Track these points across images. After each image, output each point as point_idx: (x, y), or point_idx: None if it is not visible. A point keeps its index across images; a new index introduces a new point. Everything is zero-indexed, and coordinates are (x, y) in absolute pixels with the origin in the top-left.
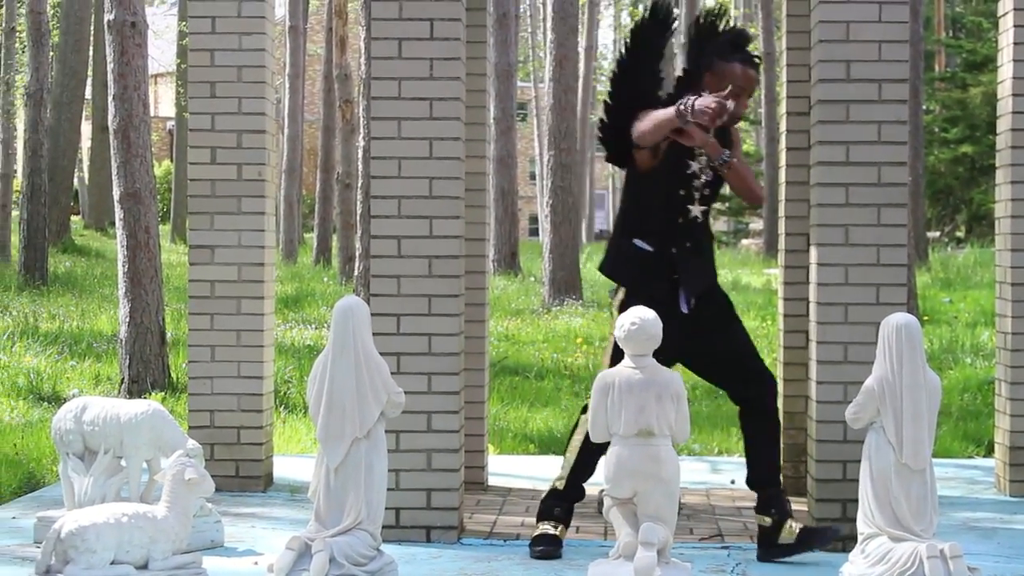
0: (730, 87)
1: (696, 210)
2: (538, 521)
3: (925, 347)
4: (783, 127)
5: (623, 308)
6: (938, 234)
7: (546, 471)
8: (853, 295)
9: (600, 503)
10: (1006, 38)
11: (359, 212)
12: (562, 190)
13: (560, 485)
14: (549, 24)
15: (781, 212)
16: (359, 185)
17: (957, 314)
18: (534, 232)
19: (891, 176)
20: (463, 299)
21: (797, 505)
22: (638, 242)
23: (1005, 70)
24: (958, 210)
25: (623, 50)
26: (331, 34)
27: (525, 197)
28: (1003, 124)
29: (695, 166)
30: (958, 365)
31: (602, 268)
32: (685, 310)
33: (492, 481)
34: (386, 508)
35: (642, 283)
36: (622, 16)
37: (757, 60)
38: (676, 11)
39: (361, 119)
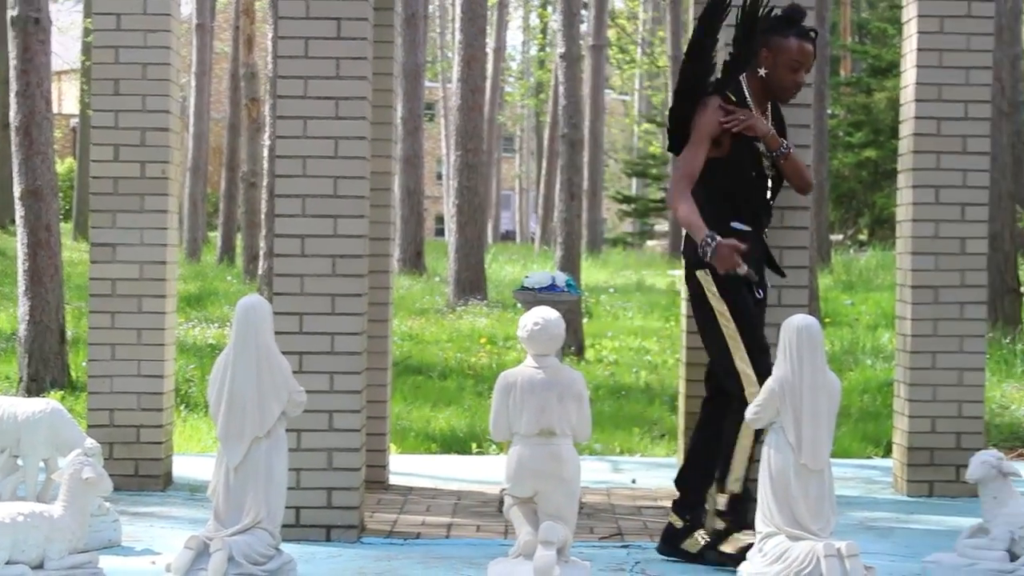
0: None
1: (771, 188)
2: (737, 531)
3: (826, 348)
4: None
5: (724, 296)
6: (841, 237)
7: (448, 470)
8: None
9: (500, 502)
10: (909, 44)
11: (264, 211)
12: (468, 190)
13: (738, 488)
14: (457, 25)
15: None
16: (264, 184)
17: (858, 316)
18: (440, 232)
19: None
20: (366, 298)
21: None
22: (735, 224)
23: (908, 76)
24: (861, 213)
25: (693, 36)
26: (238, 32)
27: (431, 197)
28: (905, 129)
29: (761, 146)
30: (858, 366)
31: (692, 258)
32: (761, 295)
33: (393, 480)
34: (286, 507)
35: (745, 263)
36: (531, 17)
37: (813, 34)
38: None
39: (267, 117)
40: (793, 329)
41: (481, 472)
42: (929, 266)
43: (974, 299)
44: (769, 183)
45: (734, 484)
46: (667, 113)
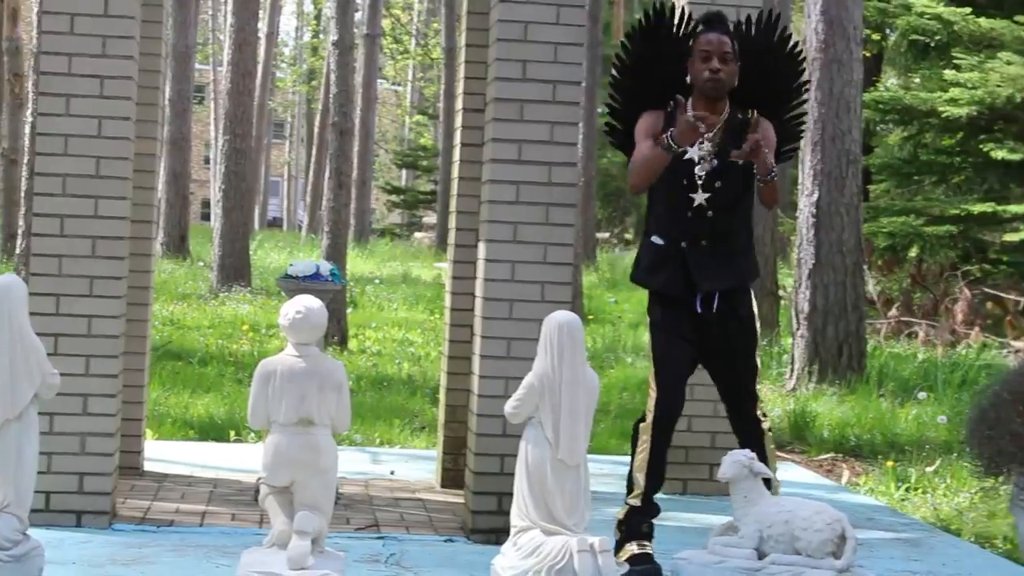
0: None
1: (700, 198)
2: (626, 542)
3: (587, 345)
4: (458, 123)
5: (651, 314)
6: (607, 235)
7: (205, 458)
8: (519, 292)
9: (257, 491)
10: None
11: (24, 189)
12: (235, 175)
13: (637, 502)
14: (230, 7)
15: (452, 207)
16: (25, 161)
17: (621, 314)
18: (206, 216)
19: (562, 176)
20: (126, 281)
21: (454, 498)
22: (654, 238)
23: None
24: (628, 212)
25: (618, 53)
26: (2, 5)
27: (198, 181)
28: None
29: (692, 152)
30: (619, 364)
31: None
32: (699, 310)
33: (148, 467)
34: (36, 491)
35: (652, 278)
36: (305, 3)
37: (738, 25)
38: (686, 10)
39: (30, 93)
40: (554, 325)
41: (238, 460)
42: None
43: None
44: (703, 198)
45: (633, 499)
46: (606, 128)
